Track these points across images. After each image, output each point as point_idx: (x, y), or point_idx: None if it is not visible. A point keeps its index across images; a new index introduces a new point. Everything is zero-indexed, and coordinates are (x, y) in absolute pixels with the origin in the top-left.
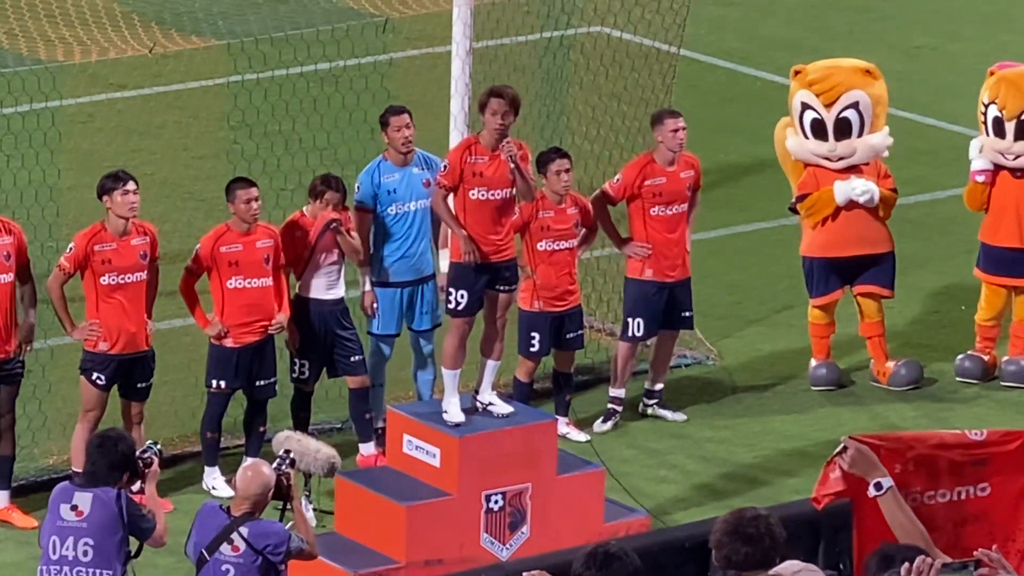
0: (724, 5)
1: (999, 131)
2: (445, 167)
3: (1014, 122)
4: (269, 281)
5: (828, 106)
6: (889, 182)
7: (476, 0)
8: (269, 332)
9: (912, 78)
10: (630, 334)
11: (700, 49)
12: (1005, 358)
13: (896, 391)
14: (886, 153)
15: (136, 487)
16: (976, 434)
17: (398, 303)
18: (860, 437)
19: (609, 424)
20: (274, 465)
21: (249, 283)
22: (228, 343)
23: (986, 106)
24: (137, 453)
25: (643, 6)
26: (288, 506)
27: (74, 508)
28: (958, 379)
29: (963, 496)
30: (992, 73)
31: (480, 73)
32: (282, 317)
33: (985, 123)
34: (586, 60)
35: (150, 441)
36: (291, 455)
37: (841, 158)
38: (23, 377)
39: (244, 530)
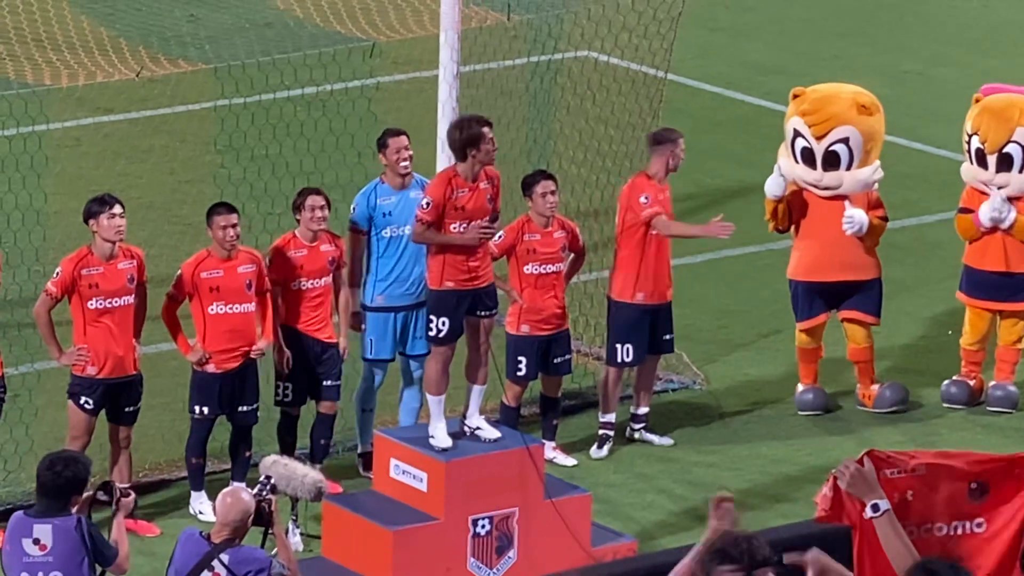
0: (711, 30)
1: (981, 162)
2: (428, 204)
3: (995, 155)
4: (251, 307)
5: (818, 138)
6: (880, 211)
7: (463, 24)
8: (250, 358)
9: (898, 103)
10: (619, 360)
11: (687, 74)
12: (992, 383)
13: (883, 416)
14: (875, 187)
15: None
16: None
17: (391, 327)
18: (868, 452)
19: (604, 450)
20: (254, 491)
21: (231, 309)
22: (210, 369)
23: (969, 136)
24: (119, 485)
25: (630, 31)
26: (270, 531)
27: (36, 542)
28: (944, 405)
29: (959, 531)
30: (978, 100)
31: (467, 97)
32: (263, 343)
33: (969, 152)
34: (573, 84)
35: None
36: (271, 481)
37: (828, 188)
38: (4, 402)
39: (225, 557)
